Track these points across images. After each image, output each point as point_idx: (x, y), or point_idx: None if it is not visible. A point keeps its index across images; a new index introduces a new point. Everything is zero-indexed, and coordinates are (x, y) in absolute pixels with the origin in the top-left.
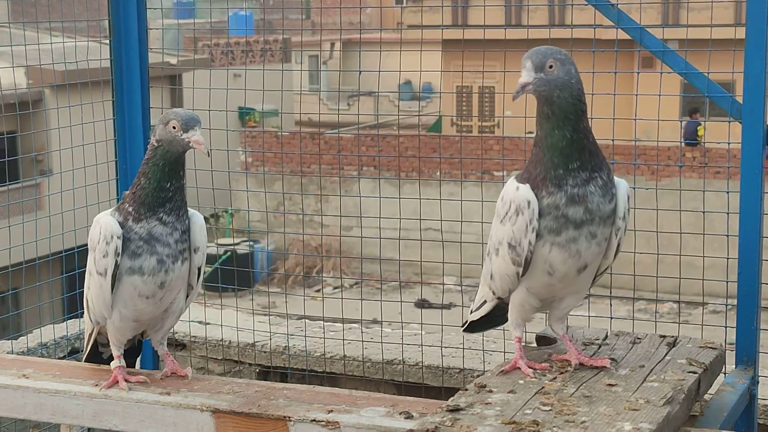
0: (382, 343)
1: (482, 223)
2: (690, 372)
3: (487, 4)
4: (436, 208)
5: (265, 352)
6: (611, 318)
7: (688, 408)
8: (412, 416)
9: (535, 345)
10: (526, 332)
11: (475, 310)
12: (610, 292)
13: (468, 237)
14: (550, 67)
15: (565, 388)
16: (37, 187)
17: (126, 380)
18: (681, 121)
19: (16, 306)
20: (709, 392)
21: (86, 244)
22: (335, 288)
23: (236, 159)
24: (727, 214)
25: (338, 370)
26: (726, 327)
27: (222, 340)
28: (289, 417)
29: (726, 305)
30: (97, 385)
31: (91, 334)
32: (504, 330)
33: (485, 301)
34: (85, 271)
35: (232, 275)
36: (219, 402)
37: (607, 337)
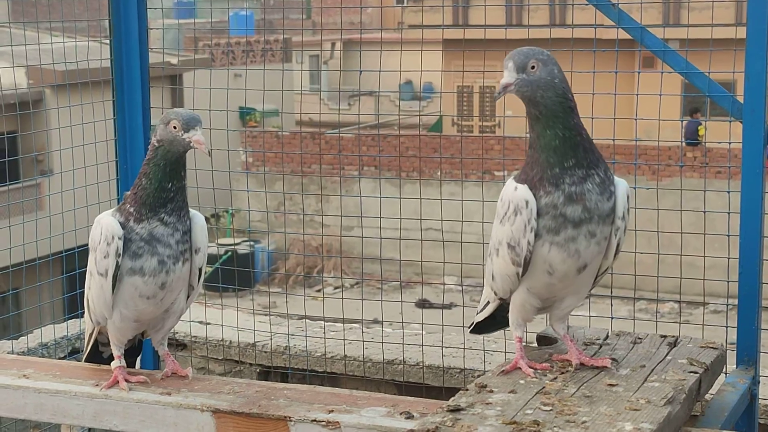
0: (382, 343)
1: (483, 223)
2: (691, 372)
3: (487, 3)
4: (436, 208)
5: (265, 352)
6: (612, 318)
7: (689, 408)
8: (413, 416)
9: (535, 345)
10: (526, 332)
11: (480, 311)
12: (611, 292)
13: (469, 237)
14: (533, 67)
15: (565, 388)
16: (37, 187)
17: (126, 380)
18: (682, 121)
19: (17, 306)
20: (710, 392)
21: (87, 244)
22: (336, 288)
23: (237, 159)
24: (728, 213)
25: (339, 370)
26: (727, 327)
27: (223, 340)
28: (290, 417)
29: (727, 305)
30: (97, 385)
31: (91, 334)
32: (505, 330)
33: (488, 302)
34: (85, 271)
35: (233, 275)
36: (219, 402)
37: (607, 337)
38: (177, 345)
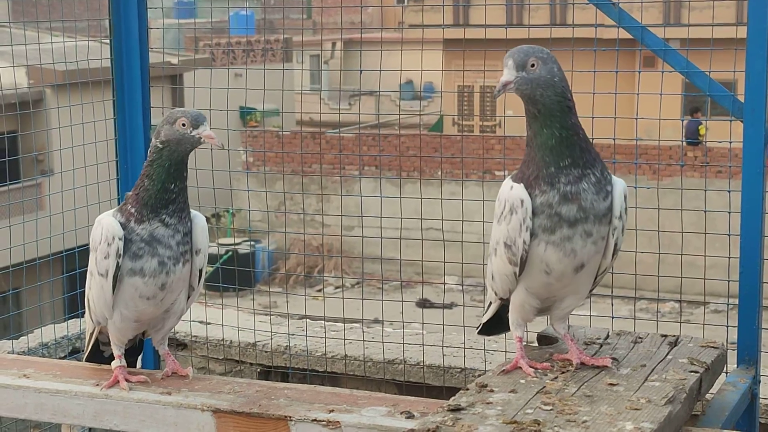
0: (383, 342)
1: (483, 222)
2: (691, 371)
3: (488, 3)
4: (437, 207)
5: (266, 351)
6: (612, 317)
7: (689, 407)
8: (414, 416)
9: (536, 344)
10: (527, 332)
11: (485, 313)
12: (612, 292)
13: (469, 236)
14: (532, 65)
15: (566, 387)
16: (37, 186)
17: (127, 380)
18: (682, 120)
19: (17, 306)
20: (710, 392)
21: (87, 244)
22: (336, 288)
23: (237, 159)
24: (729, 213)
25: (339, 370)
26: (728, 326)
27: (223, 339)
28: (290, 417)
29: (728, 304)
30: (97, 384)
31: (92, 334)
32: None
33: (491, 303)
34: (85, 270)
35: (233, 275)
36: (220, 402)
37: (608, 336)
38: (177, 345)
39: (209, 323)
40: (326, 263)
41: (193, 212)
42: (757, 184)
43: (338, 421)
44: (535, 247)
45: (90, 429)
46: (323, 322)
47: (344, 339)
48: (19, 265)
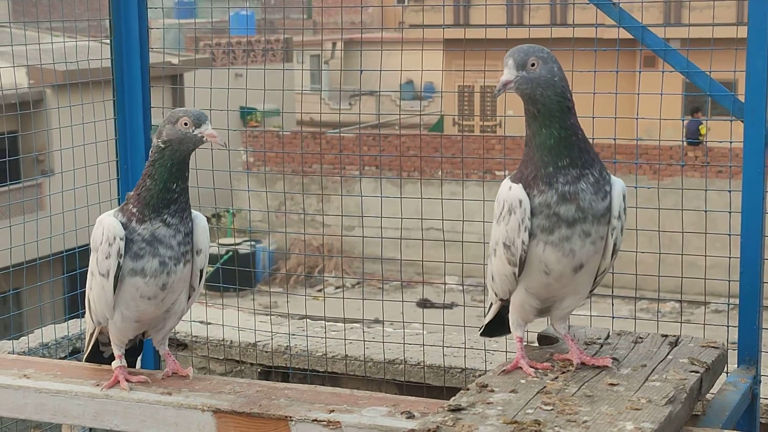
0: (383, 342)
1: (484, 222)
2: (692, 371)
3: (488, 3)
4: (437, 207)
5: (266, 351)
6: (613, 317)
7: (690, 407)
8: (414, 416)
9: (536, 344)
10: (528, 332)
11: (486, 314)
12: (612, 292)
13: (470, 236)
14: (533, 65)
15: (566, 387)
16: (38, 187)
17: (127, 380)
18: (683, 120)
19: (18, 306)
20: (711, 392)
21: (87, 244)
22: (337, 288)
23: (238, 159)
24: (729, 213)
25: (340, 370)
26: (728, 326)
27: (223, 339)
28: (291, 417)
29: (728, 304)
30: (98, 385)
31: (92, 334)
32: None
33: (492, 304)
34: (86, 271)
35: (234, 275)
36: (220, 402)
37: (608, 336)
38: (178, 345)
39: (210, 323)
40: (327, 263)
41: (194, 212)
42: (757, 184)
43: (339, 422)
44: (534, 247)
45: (90, 429)
46: (324, 322)
47: (345, 339)
48: (19, 265)
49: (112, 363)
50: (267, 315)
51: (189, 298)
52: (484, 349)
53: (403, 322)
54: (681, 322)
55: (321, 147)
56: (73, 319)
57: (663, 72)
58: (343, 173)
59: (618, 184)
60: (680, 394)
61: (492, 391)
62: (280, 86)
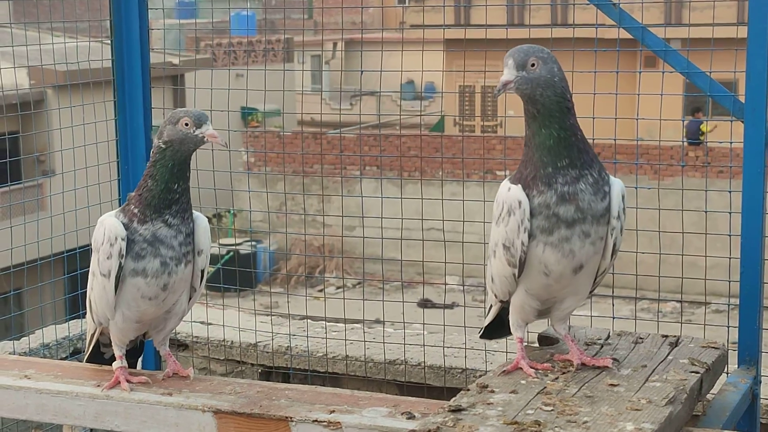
0: (384, 343)
1: (484, 222)
2: (692, 372)
3: (489, 3)
4: (438, 207)
5: (267, 352)
6: (613, 318)
7: (690, 408)
8: (414, 416)
9: (537, 345)
10: (528, 332)
11: (486, 316)
12: (612, 292)
13: (470, 237)
14: (533, 65)
15: (567, 388)
16: (39, 187)
17: (128, 381)
18: (683, 120)
19: (19, 306)
20: (711, 392)
21: (88, 245)
22: (338, 288)
23: (238, 159)
24: (730, 213)
25: (340, 371)
26: (728, 327)
27: (224, 340)
28: (291, 417)
29: (728, 305)
30: (99, 385)
31: (93, 335)
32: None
33: (491, 306)
34: (87, 271)
35: (235, 275)
36: (221, 402)
37: (609, 336)
38: (179, 345)
39: (210, 324)
40: (327, 264)
41: (195, 213)
42: (757, 184)
43: (339, 422)
44: (533, 248)
45: (91, 430)
46: (324, 322)
47: (345, 339)
48: (20, 265)
49: (113, 364)
50: (268, 315)
51: (190, 298)
52: (485, 350)
53: (404, 322)
54: (681, 323)
55: (322, 147)
56: (74, 320)
57: (663, 72)
58: (344, 173)
59: (617, 184)
60: (680, 395)
61: (492, 391)
62: (280, 86)
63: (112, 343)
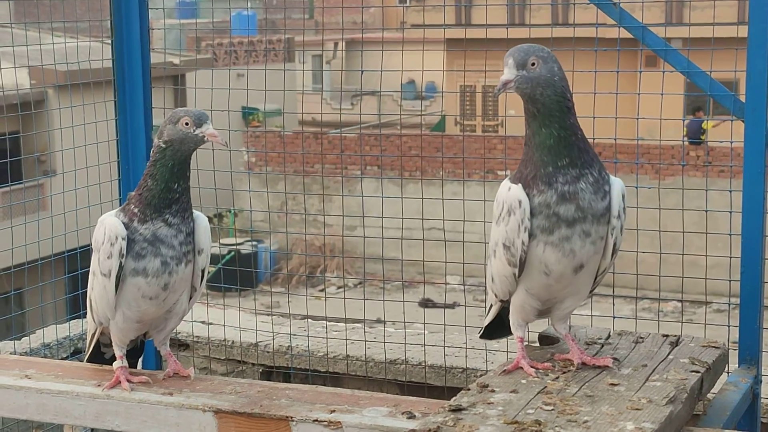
0: (385, 342)
1: (485, 222)
2: (693, 371)
3: (489, 3)
4: (439, 207)
5: (268, 352)
6: (614, 317)
7: (690, 407)
8: (415, 416)
9: (537, 344)
10: (528, 332)
11: (486, 316)
12: (613, 291)
13: (471, 236)
14: (533, 64)
15: (567, 387)
16: (39, 187)
17: (128, 380)
18: (684, 120)
19: (20, 306)
20: (711, 391)
21: (89, 245)
22: (339, 288)
23: (239, 159)
24: (730, 213)
25: (341, 370)
26: (729, 326)
27: (225, 340)
28: (292, 417)
29: (729, 304)
30: (99, 385)
31: (93, 335)
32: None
33: (491, 306)
34: (88, 271)
35: (236, 275)
36: (221, 402)
37: (609, 336)
38: (179, 345)
39: (211, 323)
40: (328, 263)
41: (196, 213)
42: (758, 184)
43: (339, 422)
44: (533, 247)
45: (92, 430)
46: (325, 322)
47: (346, 339)
48: (21, 265)
49: (114, 363)
50: (268, 315)
51: (190, 298)
52: (486, 349)
53: (405, 322)
54: (682, 322)
55: (322, 147)
56: (75, 320)
57: (664, 72)
58: (345, 173)
59: (617, 183)
60: (681, 394)
61: (493, 391)
62: (281, 86)
63: (113, 343)
